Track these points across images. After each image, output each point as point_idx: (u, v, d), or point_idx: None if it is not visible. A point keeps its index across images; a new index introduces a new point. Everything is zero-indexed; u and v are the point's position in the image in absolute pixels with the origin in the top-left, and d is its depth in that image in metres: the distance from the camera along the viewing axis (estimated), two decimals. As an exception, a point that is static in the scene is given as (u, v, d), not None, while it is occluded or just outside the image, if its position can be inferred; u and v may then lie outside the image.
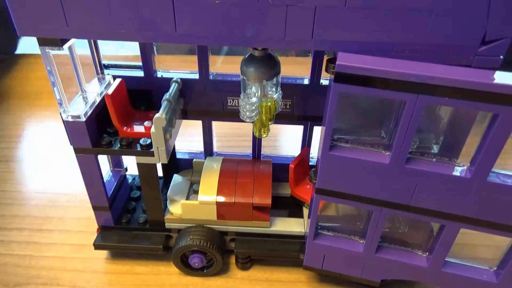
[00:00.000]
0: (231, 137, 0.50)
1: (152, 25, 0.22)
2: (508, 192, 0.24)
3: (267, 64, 0.27)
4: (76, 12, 0.22)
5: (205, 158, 0.39)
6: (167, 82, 0.33)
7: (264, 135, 0.31)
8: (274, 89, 0.29)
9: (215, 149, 0.40)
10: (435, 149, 0.27)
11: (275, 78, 0.28)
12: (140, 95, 0.34)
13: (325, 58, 0.31)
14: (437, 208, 0.26)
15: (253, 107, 0.29)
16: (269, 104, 0.29)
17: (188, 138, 0.45)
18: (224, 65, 0.36)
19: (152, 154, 0.30)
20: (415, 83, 0.21)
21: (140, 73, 0.33)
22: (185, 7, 0.21)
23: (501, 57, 0.22)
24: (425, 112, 0.26)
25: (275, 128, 0.54)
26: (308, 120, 0.36)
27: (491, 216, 0.25)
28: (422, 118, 0.23)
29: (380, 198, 0.26)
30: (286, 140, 0.53)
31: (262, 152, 0.39)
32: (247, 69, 0.27)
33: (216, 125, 0.38)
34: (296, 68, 0.36)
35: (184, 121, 0.36)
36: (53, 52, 0.24)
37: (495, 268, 0.29)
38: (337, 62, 0.22)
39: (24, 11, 0.22)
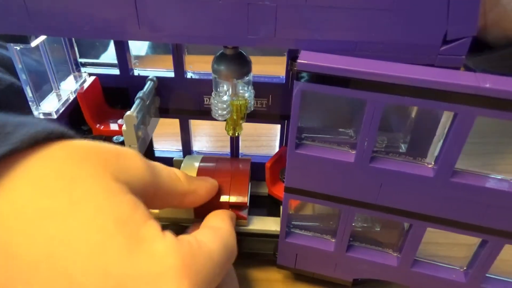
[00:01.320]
0: (212, 136, 0.50)
1: (115, 22, 0.22)
2: (471, 191, 0.24)
3: (238, 63, 0.27)
4: (38, 8, 0.22)
5: (183, 157, 0.39)
6: (143, 80, 0.33)
7: (237, 134, 0.31)
8: (245, 88, 0.29)
9: (196, 148, 0.40)
10: (403, 148, 0.27)
11: (246, 76, 0.28)
12: (117, 94, 0.34)
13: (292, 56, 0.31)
14: (404, 207, 0.26)
15: (225, 106, 0.29)
16: (240, 102, 0.29)
17: (170, 137, 0.45)
18: (201, 64, 0.36)
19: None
20: (375, 82, 0.21)
21: (116, 71, 0.33)
22: (146, 3, 0.21)
23: (463, 56, 0.22)
24: (393, 111, 0.26)
25: (255, 126, 0.54)
26: (285, 119, 0.36)
27: (457, 216, 0.25)
28: (389, 117, 0.23)
29: (348, 196, 0.26)
30: (266, 139, 0.53)
31: (241, 151, 0.39)
32: (218, 67, 0.27)
33: (198, 125, 0.38)
34: (273, 68, 0.36)
35: (165, 120, 0.36)
36: (20, 48, 0.24)
37: (465, 268, 0.29)
38: (298, 61, 0.22)
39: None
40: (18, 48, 0.24)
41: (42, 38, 0.26)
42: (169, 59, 0.32)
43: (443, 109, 0.21)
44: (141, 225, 0.19)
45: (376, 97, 0.22)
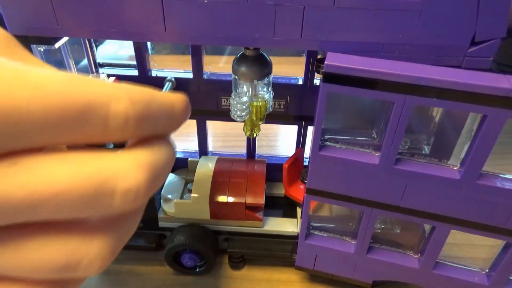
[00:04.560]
0: (227, 137, 0.50)
1: (142, 24, 0.22)
2: (498, 193, 0.23)
3: (259, 64, 0.27)
4: (66, 11, 0.22)
5: (199, 158, 0.39)
6: (162, 81, 0.33)
7: (255, 135, 0.31)
8: (265, 89, 0.29)
9: (211, 148, 0.40)
10: (426, 150, 0.27)
11: (266, 78, 0.28)
12: (135, 94, 0.34)
13: (318, 57, 0.31)
14: (428, 209, 0.26)
15: (244, 107, 0.29)
16: (259, 104, 0.29)
17: (187, 138, 0.45)
18: (219, 65, 0.36)
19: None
20: (403, 83, 0.21)
21: (134, 72, 0.33)
22: (174, 6, 0.21)
23: (491, 58, 0.22)
24: (416, 113, 0.26)
25: (271, 128, 0.54)
26: (302, 120, 0.36)
27: (482, 218, 0.25)
28: (413, 118, 0.23)
29: (370, 198, 0.26)
30: (282, 140, 0.53)
31: (257, 152, 0.39)
32: (239, 68, 0.27)
33: (213, 125, 0.38)
34: (290, 68, 0.36)
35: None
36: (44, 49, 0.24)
37: (487, 270, 0.28)
38: (325, 62, 0.22)
39: (15, 9, 0.22)
40: (42, 49, 0.24)
41: (65, 39, 0.26)
42: (185, 59, 0.32)
43: (472, 111, 0.21)
44: None
45: (404, 99, 0.21)
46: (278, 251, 0.35)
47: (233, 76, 0.28)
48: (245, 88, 0.28)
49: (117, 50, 0.70)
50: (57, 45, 0.25)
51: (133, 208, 0.16)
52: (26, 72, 0.14)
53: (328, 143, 0.26)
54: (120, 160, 0.16)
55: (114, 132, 0.16)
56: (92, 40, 0.31)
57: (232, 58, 0.28)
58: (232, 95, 0.29)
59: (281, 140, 0.52)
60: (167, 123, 0.18)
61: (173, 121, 0.18)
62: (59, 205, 0.15)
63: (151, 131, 0.17)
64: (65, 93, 0.14)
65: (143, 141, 0.17)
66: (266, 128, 0.54)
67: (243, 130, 0.32)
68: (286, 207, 0.38)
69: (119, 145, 0.29)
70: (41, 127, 0.14)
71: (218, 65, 0.34)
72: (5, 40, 0.18)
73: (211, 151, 0.40)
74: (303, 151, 0.38)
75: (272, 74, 0.29)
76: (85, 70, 0.32)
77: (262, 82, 0.28)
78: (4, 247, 0.15)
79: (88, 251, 0.16)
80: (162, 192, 0.36)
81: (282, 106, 0.35)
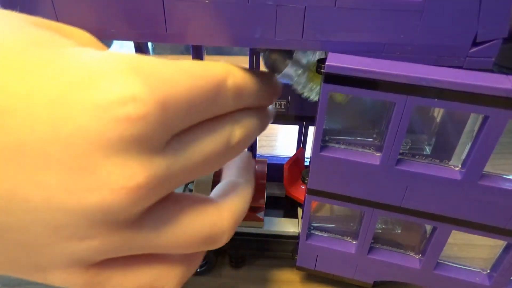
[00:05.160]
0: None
1: (143, 25, 0.22)
2: (499, 194, 0.23)
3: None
4: (66, 10, 0.22)
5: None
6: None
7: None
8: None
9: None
10: (428, 150, 0.27)
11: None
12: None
13: (318, 58, 0.31)
14: (429, 209, 0.26)
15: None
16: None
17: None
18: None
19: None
20: (404, 84, 0.21)
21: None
22: (175, 6, 0.21)
23: (493, 58, 0.22)
24: (417, 113, 0.26)
25: (271, 128, 0.54)
26: (303, 120, 0.36)
27: (483, 218, 0.25)
28: (414, 119, 0.23)
29: (371, 199, 0.26)
30: (282, 140, 0.53)
31: (257, 152, 0.39)
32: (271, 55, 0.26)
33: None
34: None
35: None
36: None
37: (488, 271, 0.28)
38: (326, 63, 0.22)
39: (13, 8, 0.22)
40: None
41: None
42: (171, 58, 0.32)
43: (474, 112, 0.21)
44: (66, 47, 0.15)
45: (406, 99, 0.21)
46: (279, 251, 0.35)
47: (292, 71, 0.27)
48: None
49: (117, 50, 0.70)
50: (57, 45, 0.25)
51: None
52: (178, 63, 0.17)
53: (329, 144, 0.26)
54: (229, 122, 0.20)
55: (229, 103, 0.19)
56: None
57: (233, 58, 0.28)
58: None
59: (281, 140, 0.52)
60: (258, 97, 0.22)
61: (263, 97, 0.23)
62: (207, 164, 0.18)
63: (246, 103, 0.21)
64: (206, 76, 0.17)
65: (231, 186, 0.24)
66: (269, 128, 0.54)
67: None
68: (287, 208, 0.38)
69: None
70: (198, 106, 0.17)
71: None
72: (91, 39, 0.21)
73: (212, 151, 0.40)
74: (303, 151, 0.38)
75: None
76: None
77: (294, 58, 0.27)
78: (166, 222, 0.17)
79: (222, 222, 0.20)
80: (162, 192, 0.36)
81: (283, 106, 0.35)
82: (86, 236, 0.15)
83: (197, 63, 0.18)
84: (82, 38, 0.20)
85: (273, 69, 0.27)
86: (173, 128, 0.16)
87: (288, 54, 0.27)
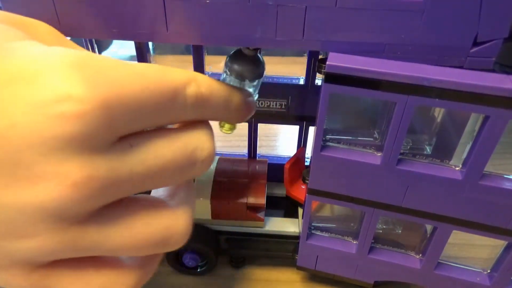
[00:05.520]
0: (228, 136, 0.50)
1: (144, 24, 0.22)
2: (500, 194, 0.23)
3: (253, 64, 0.27)
4: (68, 10, 0.22)
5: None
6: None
7: (231, 131, 0.30)
8: (251, 89, 0.28)
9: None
10: (428, 150, 0.27)
11: (256, 80, 0.27)
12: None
13: (320, 58, 0.31)
14: (429, 209, 0.26)
15: None
16: None
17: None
18: (221, 65, 0.36)
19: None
20: (405, 84, 0.21)
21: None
22: (176, 6, 0.21)
23: (493, 58, 0.22)
24: (418, 113, 0.26)
25: (272, 128, 0.54)
26: (303, 120, 0.36)
27: (484, 218, 0.25)
28: (415, 118, 0.23)
29: (372, 199, 0.26)
30: (283, 140, 0.53)
31: (258, 152, 0.39)
32: (232, 65, 0.27)
33: (214, 125, 0.38)
34: (292, 68, 0.36)
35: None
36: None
37: (489, 271, 0.28)
38: (327, 63, 0.22)
39: (16, 8, 0.22)
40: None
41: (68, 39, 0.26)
42: (186, 59, 0.32)
43: (474, 112, 0.21)
44: (11, 40, 0.15)
45: (406, 99, 0.21)
46: (280, 251, 0.35)
47: (224, 69, 0.27)
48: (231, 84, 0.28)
49: (116, 50, 0.70)
50: (58, 45, 0.25)
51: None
52: (132, 64, 0.16)
53: (330, 144, 0.26)
54: (197, 133, 0.19)
55: (188, 111, 0.18)
56: (93, 40, 0.31)
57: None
58: None
59: (282, 140, 0.52)
60: (224, 111, 0.22)
61: (230, 111, 0.22)
62: (162, 177, 0.17)
63: (212, 114, 0.21)
64: (161, 80, 0.17)
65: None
66: (267, 128, 0.54)
67: (220, 126, 0.31)
68: (287, 207, 0.38)
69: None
70: (149, 110, 0.16)
71: (220, 65, 0.34)
72: (52, 32, 0.20)
73: (212, 151, 0.40)
74: (304, 151, 0.38)
75: (261, 78, 0.28)
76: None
77: (251, 83, 0.27)
78: (115, 223, 0.17)
79: (177, 226, 0.19)
80: (163, 192, 0.36)
81: (283, 106, 0.35)
82: (25, 234, 0.14)
83: (157, 67, 0.18)
84: (40, 30, 0.20)
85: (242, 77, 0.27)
86: (118, 129, 0.15)
87: (252, 75, 0.26)
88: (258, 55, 0.27)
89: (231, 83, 0.26)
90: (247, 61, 0.27)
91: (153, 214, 0.18)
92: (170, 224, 0.18)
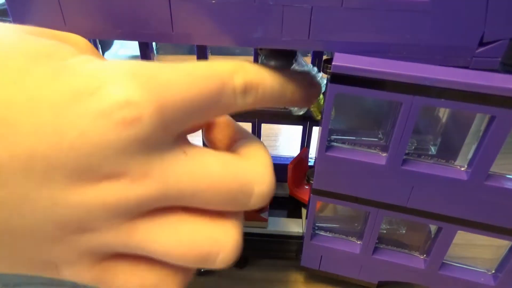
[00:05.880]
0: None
1: (149, 24, 0.22)
2: (506, 194, 0.23)
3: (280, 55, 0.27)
4: (73, 10, 0.22)
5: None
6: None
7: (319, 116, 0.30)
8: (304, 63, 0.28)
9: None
10: (433, 150, 0.27)
11: (295, 62, 0.28)
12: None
13: (325, 58, 0.31)
14: (434, 210, 0.26)
15: None
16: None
17: (192, 138, 0.45)
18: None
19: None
20: (411, 84, 0.21)
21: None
22: (181, 6, 0.21)
23: (499, 58, 0.22)
24: (423, 113, 0.26)
25: (275, 128, 0.54)
26: (307, 120, 0.36)
27: (489, 219, 0.25)
28: (419, 119, 0.23)
29: (377, 199, 0.26)
30: (286, 140, 0.53)
31: (261, 152, 0.39)
32: (268, 62, 0.27)
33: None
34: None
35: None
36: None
37: (493, 271, 0.28)
38: (333, 63, 0.22)
39: (22, 8, 0.22)
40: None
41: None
42: (189, 59, 0.32)
43: (480, 112, 0.21)
44: (68, 57, 0.16)
45: (412, 99, 0.21)
46: (283, 252, 0.35)
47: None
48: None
49: (117, 50, 0.70)
50: (63, 45, 0.25)
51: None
52: (179, 66, 0.17)
53: (335, 144, 0.26)
54: (254, 164, 0.19)
55: (238, 100, 0.19)
56: (97, 40, 0.31)
57: (237, 58, 0.28)
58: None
59: (285, 140, 0.52)
60: (282, 95, 0.21)
61: (289, 95, 0.22)
62: (210, 196, 0.17)
63: (267, 101, 0.21)
64: (208, 75, 0.17)
65: (248, 144, 0.21)
66: (270, 128, 0.54)
67: (313, 114, 0.30)
68: (290, 208, 0.38)
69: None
70: (199, 106, 0.17)
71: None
72: (89, 45, 0.21)
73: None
74: (307, 151, 0.38)
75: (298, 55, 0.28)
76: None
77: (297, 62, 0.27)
78: (162, 228, 0.17)
79: (227, 242, 0.18)
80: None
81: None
82: (91, 228, 0.16)
83: (202, 63, 0.18)
84: (80, 44, 0.21)
85: None
86: (173, 129, 0.17)
87: (287, 62, 0.27)
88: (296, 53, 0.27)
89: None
90: (280, 54, 0.26)
91: (201, 223, 0.18)
92: (218, 239, 0.18)
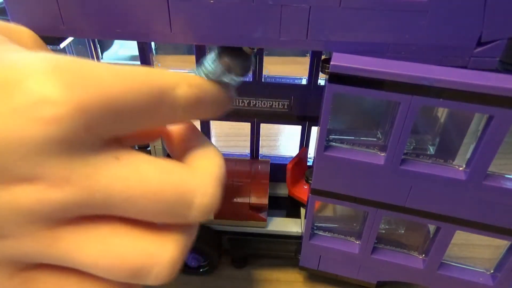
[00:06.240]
0: (230, 137, 0.50)
1: (147, 25, 0.22)
2: (504, 194, 0.23)
3: (246, 61, 0.26)
4: (71, 11, 0.22)
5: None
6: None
7: None
8: (233, 83, 0.27)
9: (213, 148, 0.40)
10: (432, 150, 0.27)
11: (242, 77, 0.27)
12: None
13: (323, 58, 0.31)
14: (433, 209, 0.26)
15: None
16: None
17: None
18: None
19: (149, 153, 0.30)
20: (409, 84, 0.21)
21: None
22: (179, 6, 0.21)
23: (497, 58, 0.22)
24: (421, 113, 0.26)
25: (274, 128, 0.54)
26: (306, 120, 0.36)
27: (488, 219, 0.25)
28: (418, 119, 0.23)
29: (376, 199, 0.26)
30: (285, 140, 0.53)
31: (260, 152, 0.39)
32: (223, 57, 0.25)
33: (216, 125, 0.38)
34: (294, 68, 0.36)
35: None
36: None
37: (492, 271, 0.28)
38: (331, 63, 0.22)
39: (21, 8, 0.22)
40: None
41: (70, 39, 0.26)
42: (187, 59, 0.32)
43: (479, 112, 0.21)
44: None
45: (410, 99, 0.21)
46: (282, 251, 0.35)
47: (206, 59, 0.26)
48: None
49: (117, 50, 0.70)
50: (62, 45, 0.25)
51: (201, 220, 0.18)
52: (116, 67, 0.16)
53: (333, 144, 0.26)
54: (199, 173, 0.17)
55: (178, 112, 0.18)
56: (96, 41, 0.31)
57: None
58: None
59: (284, 140, 0.52)
60: (215, 106, 0.21)
61: (219, 105, 0.21)
62: (145, 205, 0.16)
63: (202, 113, 0.20)
64: (146, 81, 0.16)
65: (200, 153, 0.19)
66: (269, 128, 0.54)
67: None
68: (289, 208, 0.38)
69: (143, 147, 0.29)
70: (133, 112, 0.16)
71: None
72: (36, 39, 0.20)
73: (214, 151, 0.40)
74: (307, 151, 0.38)
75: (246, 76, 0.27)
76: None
77: (237, 79, 0.27)
78: (90, 237, 0.16)
79: (162, 256, 0.17)
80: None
81: (285, 106, 0.35)
82: (6, 235, 0.15)
83: (143, 69, 0.17)
84: (23, 36, 0.20)
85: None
86: (100, 132, 0.15)
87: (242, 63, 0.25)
88: (251, 55, 0.27)
89: (211, 76, 0.25)
90: (241, 56, 0.26)
91: (135, 234, 0.16)
92: (153, 253, 0.16)
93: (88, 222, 0.16)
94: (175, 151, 0.21)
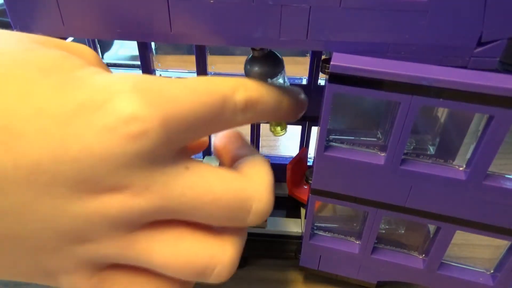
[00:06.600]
0: (230, 136, 0.50)
1: (148, 25, 0.22)
2: (504, 194, 0.23)
3: (270, 63, 0.27)
4: (71, 10, 0.22)
5: (203, 158, 0.39)
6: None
7: (283, 133, 0.31)
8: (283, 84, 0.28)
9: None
10: (432, 150, 0.27)
11: (280, 74, 0.28)
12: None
13: (323, 58, 0.31)
14: (433, 209, 0.26)
15: None
16: None
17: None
18: (223, 65, 0.36)
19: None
20: (409, 84, 0.21)
21: (138, 72, 0.33)
22: (180, 6, 0.21)
23: (497, 58, 0.22)
24: (421, 113, 0.26)
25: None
26: (306, 120, 0.36)
27: (488, 219, 0.25)
28: (418, 118, 0.23)
29: (376, 199, 0.26)
30: (285, 140, 0.53)
31: (260, 152, 0.39)
32: (252, 69, 0.27)
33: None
34: (294, 68, 0.36)
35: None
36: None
37: (492, 271, 0.28)
38: (331, 63, 0.22)
39: (21, 8, 0.22)
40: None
41: (70, 39, 0.26)
42: (188, 59, 0.32)
43: (479, 112, 0.21)
44: (75, 69, 0.16)
45: (410, 99, 0.21)
46: (282, 251, 0.35)
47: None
48: None
49: (117, 50, 0.70)
50: (62, 45, 0.25)
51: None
52: (183, 81, 0.18)
53: (333, 144, 0.26)
54: (254, 182, 0.19)
55: (238, 116, 0.19)
56: (96, 41, 0.31)
57: (236, 58, 0.28)
58: None
59: (284, 140, 0.52)
60: (276, 111, 0.22)
61: (282, 111, 0.22)
62: (211, 210, 0.18)
63: (263, 116, 0.21)
64: (211, 91, 0.18)
65: (251, 161, 0.21)
66: (267, 128, 0.54)
67: (270, 130, 0.31)
68: (289, 208, 0.38)
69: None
70: (201, 121, 0.17)
71: (222, 65, 0.34)
72: (95, 56, 0.22)
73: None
74: (307, 151, 0.38)
75: (284, 71, 0.28)
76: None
77: (277, 79, 0.28)
78: (162, 240, 0.17)
79: (223, 257, 0.19)
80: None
81: (286, 106, 0.35)
82: (90, 239, 0.16)
83: (205, 79, 0.19)
84: (87, 55, 0.21)
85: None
86: (176, 143, 0.17)
87: (272, 72, 0.27)
88: (272, 52, 0.27)
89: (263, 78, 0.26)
90: (263, 62, 0.27)
91: (199, 237, 0.18)
92: (215, 254, 0.18)
93: (160, 227, 0.17)
94: (226, 159, 0.23)
